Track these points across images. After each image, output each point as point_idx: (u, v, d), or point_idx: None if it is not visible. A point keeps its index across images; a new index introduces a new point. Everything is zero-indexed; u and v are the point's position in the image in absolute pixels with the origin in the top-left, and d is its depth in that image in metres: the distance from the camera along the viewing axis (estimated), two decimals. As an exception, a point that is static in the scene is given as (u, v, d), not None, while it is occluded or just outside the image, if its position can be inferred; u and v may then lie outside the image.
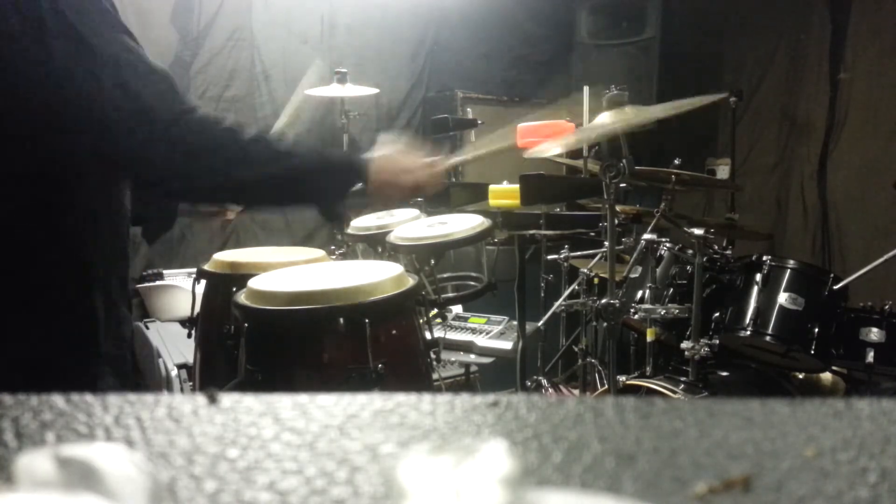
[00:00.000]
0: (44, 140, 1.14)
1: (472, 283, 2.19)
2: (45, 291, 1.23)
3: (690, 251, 2.16)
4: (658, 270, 2.38)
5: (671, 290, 2.34)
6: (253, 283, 1.52)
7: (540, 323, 2.70)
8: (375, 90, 2.98)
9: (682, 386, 2.07)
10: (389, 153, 1.40)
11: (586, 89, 2.82)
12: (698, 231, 2.06)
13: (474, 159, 1.75)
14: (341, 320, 1.38)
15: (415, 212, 2.27)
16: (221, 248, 2.03)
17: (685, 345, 2.11)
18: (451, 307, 2.76)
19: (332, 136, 3.56)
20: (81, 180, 1.21)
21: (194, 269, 1.95)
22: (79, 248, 1.24)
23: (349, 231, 2.31)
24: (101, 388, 1.27)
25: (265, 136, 1.30)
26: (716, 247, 2.46)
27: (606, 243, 1.95)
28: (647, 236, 2.25)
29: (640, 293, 2.32)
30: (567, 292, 2.70)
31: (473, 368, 2.87)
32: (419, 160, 1.44)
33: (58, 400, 0.47)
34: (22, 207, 1.17)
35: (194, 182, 1.24)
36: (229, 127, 1.24)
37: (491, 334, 2.70)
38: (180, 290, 2.91)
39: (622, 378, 2.20)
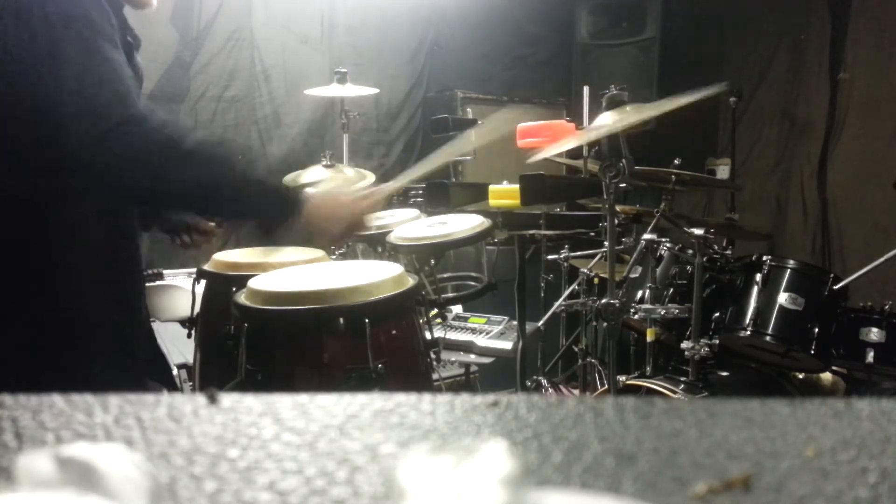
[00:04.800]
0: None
1: (472, 283, 2.19)
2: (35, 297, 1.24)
3: (690, 251, 2.15)
4: (658, 270, 2.38)
5: (671, 290, 2.34)
6: (253, 283, 1.52)
7: (540, 323, 2.70)
8: (375, 90, 2.98)
9: (682, 386, 2.07)
10: (327, 191, 1.41)
11: (586, 89, 2.82)
12: (698, 231, 2.06)
13: (414, 180, 1.72)
14: (341, 320, 1.38)
15: (415, 212, 2.27)
16: (221, 249, 2.03)
17: (685, 345, 2.11)
18: (451, 307, 2.75)
19: (332, 136, 3.57)
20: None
21: (194, 269, 1.95)
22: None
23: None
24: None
25: (207, 145, 1.27)
26: (716, 247, 2.46)
27: (606, 243, 1.95)
28: (647, 236, 2.25)
29: (640, 293, 2.32)
30: (567, 292, 2.70)
31: (473, 368, 2.87)
32: (355, 195, 1.43)
33: (58, 400, 0.47)
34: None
35: (128, 187, 1.20)
36: (170, 134, 1.20)
37: (491, 334, 2.70)
38: (180, 290, 2.91)
39: (622, 378, 2.20)
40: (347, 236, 1.49)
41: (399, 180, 1.62)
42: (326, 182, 1.43)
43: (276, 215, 1.32)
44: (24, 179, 1.19)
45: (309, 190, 1.38)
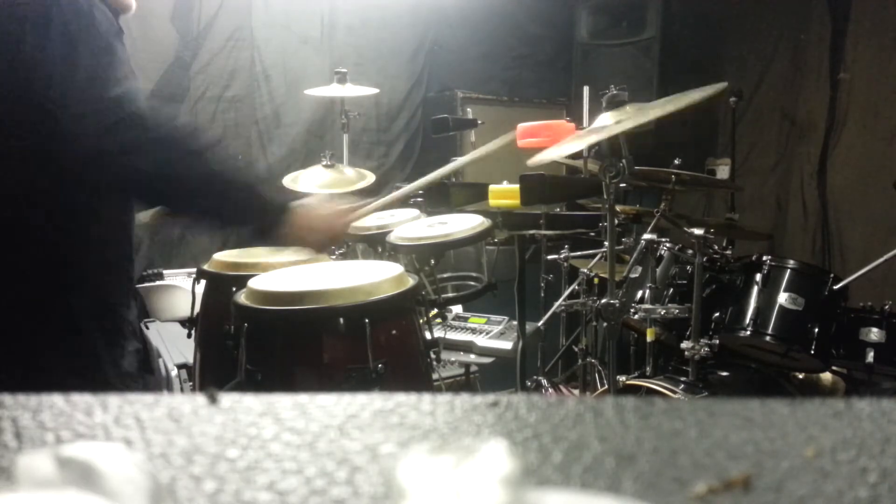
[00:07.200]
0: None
1: (472, 283, 2.19)
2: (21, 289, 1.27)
3: (690, 251, 2.15)
4: (658, 270, 2.38)
5: (671, 290, 2.34)
6: (253, 283, 1.52)
7: (540, 323, 2.70)
8: (375, 90, 2.98)
9: (682, 386, 2.07)
10: (314, 204, 1.47)
11: (586, 89, 2.82)
12: (698, 231, 2.06)
13: (395, 201, 1.77)
14: (341, 320, 1.38)
15: (415, 212, 2.27)
16: (221, 248, 2.03)
17: (685, 345, 2.11)
18: (451, 307, 2.75)
19: (332, 136, 3.56)
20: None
21: (194, 269, 1.95)
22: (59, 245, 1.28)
23: (349, 231, 2.31)
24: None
25: (207, 145, 1.33)
26: (716, 247, 2.46)
27: (606, 243, 1.95)
28: (647, 236, 2.25)
29: (640, 293, 2.32)
30: (567, 292, 2.70)
31: (473, 368, 2.87)
32: (338, 210, 1.50)
33: (58, 400, 0.47)
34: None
35: (133, 179, 1.26)
36: (173, 132, 1.28)
37: (491, 334, 2.69)
38: (180, 290, 2.91)
39: (622, 378, 2.20)
40: (325, 247, 1.55)
41: (387, 199, 1.67)
42: (316, 194, 1.49)
43: (267, 222, 1.38)
44: (29, 172, 1.23)
45: (298, 201, 1.43)
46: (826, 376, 2.57)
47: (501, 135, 1.81)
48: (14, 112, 1.20)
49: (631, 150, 1.80)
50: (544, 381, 2.73)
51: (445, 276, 2.20)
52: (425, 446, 0.31)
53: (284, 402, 0.48)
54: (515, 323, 2.55)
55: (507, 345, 2.60)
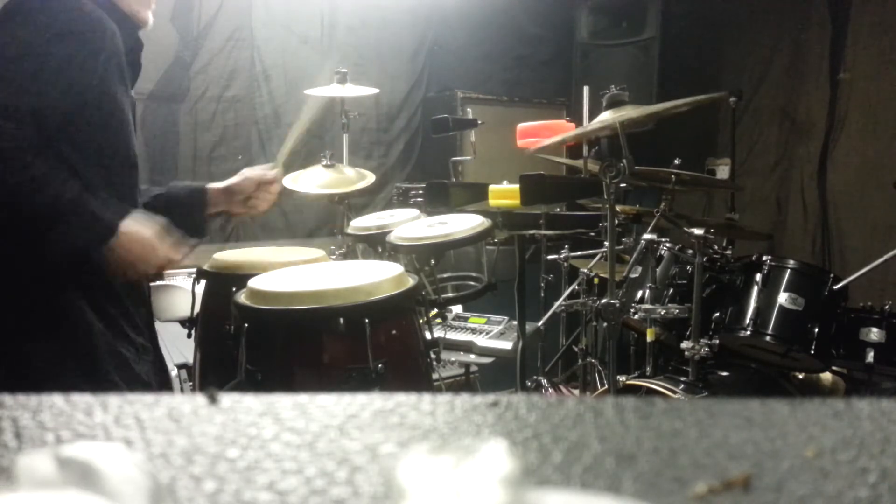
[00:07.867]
0: None
1: (472, 283, 2.19)
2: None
3: (690, 251, 2.15)
4: (658, 270, 2.38)
5: (671, 290, 2.33)
6: (253, 283, 1.52)
7: (540, 323, 2.70)
8: (375, 90, 2.98)
9: (682, 386, 2.07)
10: (141, 227, 1.37)
11: (586, 89, 2.82)
12: (698, 231, 2.05)
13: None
14: (341, 320, 1.38)
15: (415, 212, 2.27)
16: (221, 249, 2.03)
17: (685, 345, 2.11)
18: (451, 307, 2.76)
19: (332, 136, 3.56)
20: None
21: (194, 269, 1.95)
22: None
23: (349, 231, 2.31)
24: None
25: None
26: (716, 247, 2.46)
27: (606, 243, 1.95)
28: (647, 236, 2.25)
29: (640, 293, 2.32)
30: (567, 292, 2.70)
31: (473, 368, 2.87)
32: (165, 242, 1.40)
33: (57, 400, 0.47)
34: None
35: None
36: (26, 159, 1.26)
37: (491, 334, 2.69)
38: (180, 290, 2.91)
39: (622, 378, 2.20)
40: (149, 276, 1.48)
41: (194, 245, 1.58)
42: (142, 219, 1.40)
43: (87, 243, 1.31)
44: None
45: (125, 224, 1.35)
46: (826, 376, 2.57)
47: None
48: None
49: (631, 150, 1.80)
50: (544, 381, 2.73)
51: (445, 276, 2.20)
52: (425, 446, 0.31)
53: (284, 402, 0.48)
54: (515, 323, 2.55)
55: (507, 345, 2.60)
